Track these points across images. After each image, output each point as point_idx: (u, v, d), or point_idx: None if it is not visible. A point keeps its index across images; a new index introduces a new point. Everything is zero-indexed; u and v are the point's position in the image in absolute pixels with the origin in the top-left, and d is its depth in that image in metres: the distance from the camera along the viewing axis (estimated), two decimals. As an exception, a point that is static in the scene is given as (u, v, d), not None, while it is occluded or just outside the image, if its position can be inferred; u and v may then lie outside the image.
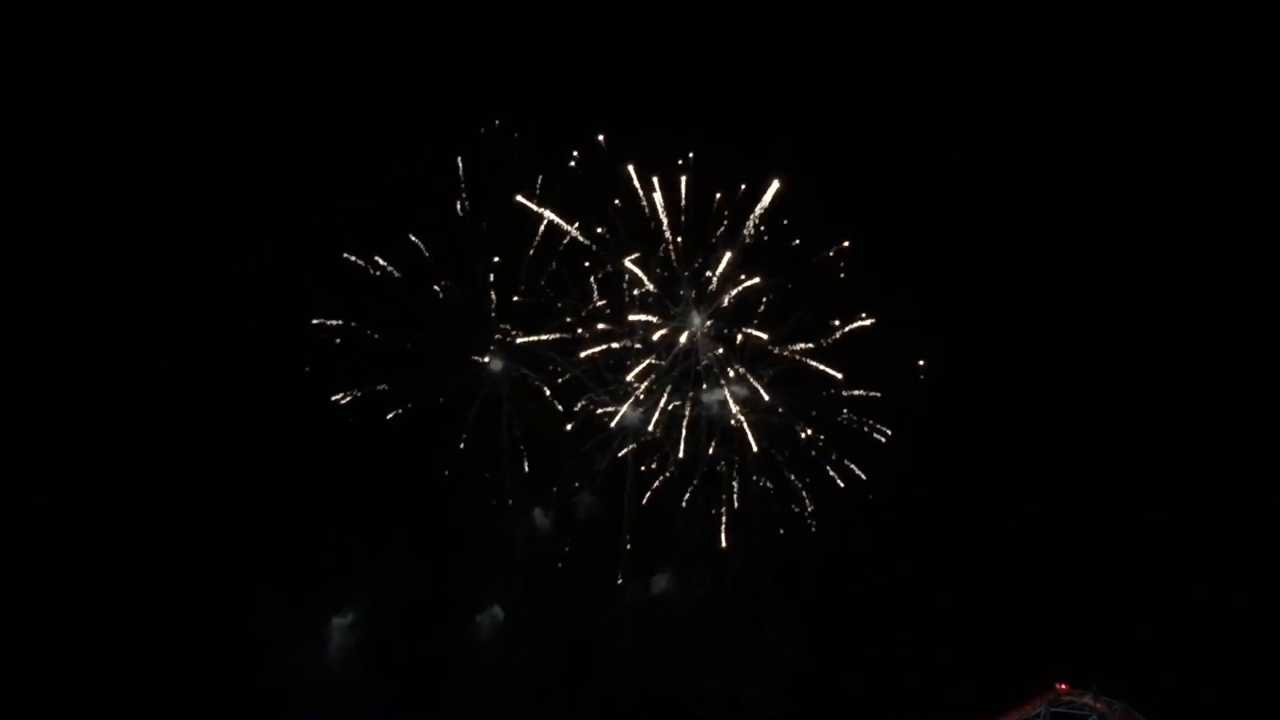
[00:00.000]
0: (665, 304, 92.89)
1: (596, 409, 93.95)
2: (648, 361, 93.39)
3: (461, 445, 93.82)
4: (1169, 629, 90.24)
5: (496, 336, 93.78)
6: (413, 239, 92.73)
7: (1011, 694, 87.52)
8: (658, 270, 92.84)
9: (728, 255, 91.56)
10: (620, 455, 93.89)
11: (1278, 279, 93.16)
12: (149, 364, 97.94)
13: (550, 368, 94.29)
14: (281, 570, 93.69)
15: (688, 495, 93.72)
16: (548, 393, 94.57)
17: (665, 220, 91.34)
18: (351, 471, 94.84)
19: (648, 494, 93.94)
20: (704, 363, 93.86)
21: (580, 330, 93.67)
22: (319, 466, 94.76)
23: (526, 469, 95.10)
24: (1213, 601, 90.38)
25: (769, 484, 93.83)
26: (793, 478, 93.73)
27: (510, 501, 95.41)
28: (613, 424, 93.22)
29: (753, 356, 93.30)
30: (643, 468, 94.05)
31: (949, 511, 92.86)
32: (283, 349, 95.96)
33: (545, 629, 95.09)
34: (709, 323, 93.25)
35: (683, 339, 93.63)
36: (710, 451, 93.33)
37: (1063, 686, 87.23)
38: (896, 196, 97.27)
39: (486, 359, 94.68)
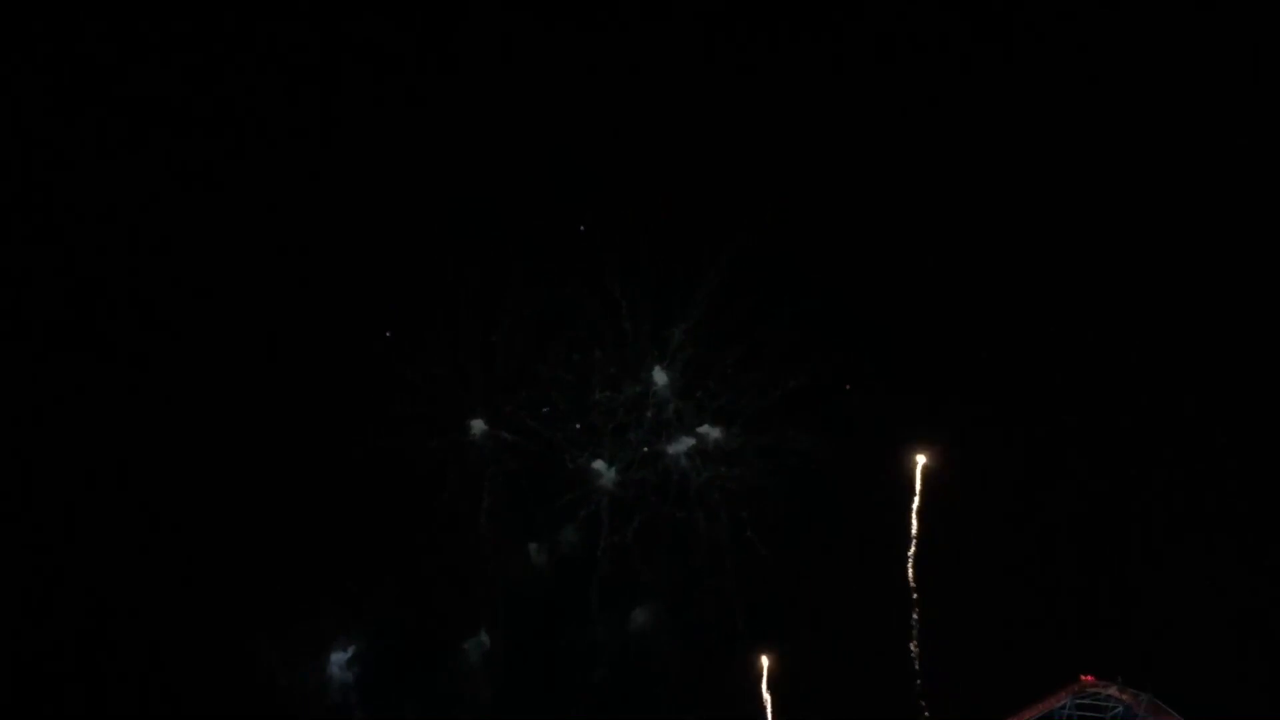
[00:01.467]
0: (629, 364, 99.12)
1: (571, 464, 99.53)
2: (618, 416, 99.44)
3: (449, 494, 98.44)
4: (1196, 620, 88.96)
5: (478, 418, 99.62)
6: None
7: (1036, 686, 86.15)
8: (624, 322, 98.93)
9: (682, 327, 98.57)
10: (595, 507, 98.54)
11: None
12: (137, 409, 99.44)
13: (529, 424, 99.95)
14: (282, 613, 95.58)
15: (658, 538, 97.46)
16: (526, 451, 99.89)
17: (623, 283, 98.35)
18: (348, 520, 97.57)
19: (624, 536, 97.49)
20: (668, 417, 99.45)
21: (553, 396, 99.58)
22: (317, 514, 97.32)
23: (509, 513, 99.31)
24: (1241, 593, 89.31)
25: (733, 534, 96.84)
26: (745, 517, 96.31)
27: (493, 541, 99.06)
28: (588, 475, 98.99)
29: (715, 410, 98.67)
30: (624, 501, 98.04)
31: (965, 500, 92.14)
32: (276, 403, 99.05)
33: (530, 655, 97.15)
34: (670, 376, 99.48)
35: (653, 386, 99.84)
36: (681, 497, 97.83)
37: (1088, 678, 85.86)
38: (859, 249, 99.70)
39: (470, 421, 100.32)
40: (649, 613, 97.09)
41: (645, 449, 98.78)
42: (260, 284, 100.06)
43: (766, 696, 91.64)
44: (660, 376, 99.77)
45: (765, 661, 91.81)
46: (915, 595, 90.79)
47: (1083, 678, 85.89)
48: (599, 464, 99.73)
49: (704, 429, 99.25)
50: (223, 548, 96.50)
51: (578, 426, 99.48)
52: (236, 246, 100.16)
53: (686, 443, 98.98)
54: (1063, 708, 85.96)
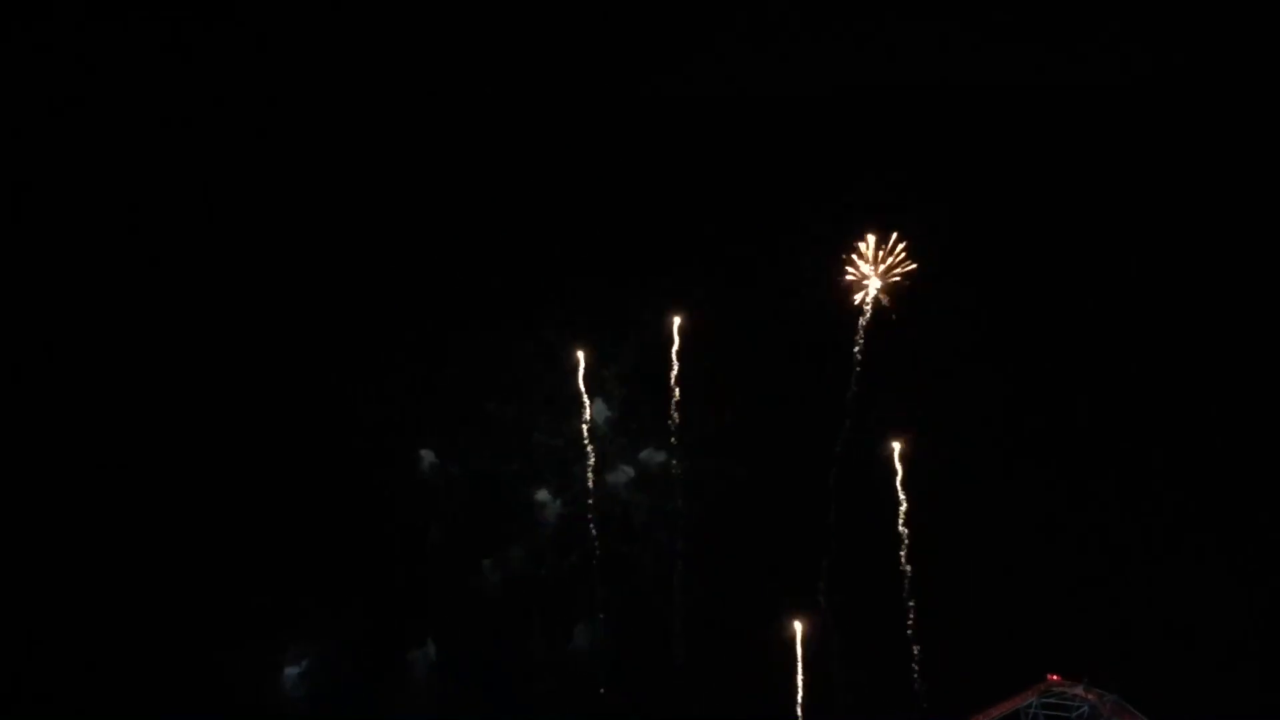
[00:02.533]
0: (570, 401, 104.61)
1: (516, 496, 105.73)
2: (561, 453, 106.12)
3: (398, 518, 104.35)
4: (1160, 622, 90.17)
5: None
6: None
7: (1004, 685, 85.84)
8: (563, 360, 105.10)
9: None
10: (540, 537, 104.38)
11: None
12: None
13: (476, 457, 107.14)
14: (242, 628, 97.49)
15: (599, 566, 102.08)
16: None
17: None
18: (303, 541, 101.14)
19: (567, 564, 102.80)
20: (607, 450, 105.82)
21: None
22: (274, 536, 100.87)
23: (456, 537, 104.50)
24: (1204, 596, 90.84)
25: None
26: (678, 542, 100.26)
27: (441, 560, 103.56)
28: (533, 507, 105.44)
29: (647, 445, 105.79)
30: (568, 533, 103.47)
31: (937, 502, 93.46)
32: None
33: (475, 666, 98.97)
34: (610, 411, 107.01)
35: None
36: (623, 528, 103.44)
37: (1055, 677, 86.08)
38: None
39: (420, 451, 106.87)
40: (589, 631, 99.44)
41: (586, 479, 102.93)
42: (228, 322, 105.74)
43: None
44: (600, 411, 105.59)
45: None
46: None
47: (1049, 677, 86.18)
48: (543, 494, 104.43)
49: (646, 454, 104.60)
50: (182, 568, 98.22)
51: (522, 460, 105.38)
52: (200, 290, 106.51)
53: (626, 472, 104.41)
54: (1029, 706, 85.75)
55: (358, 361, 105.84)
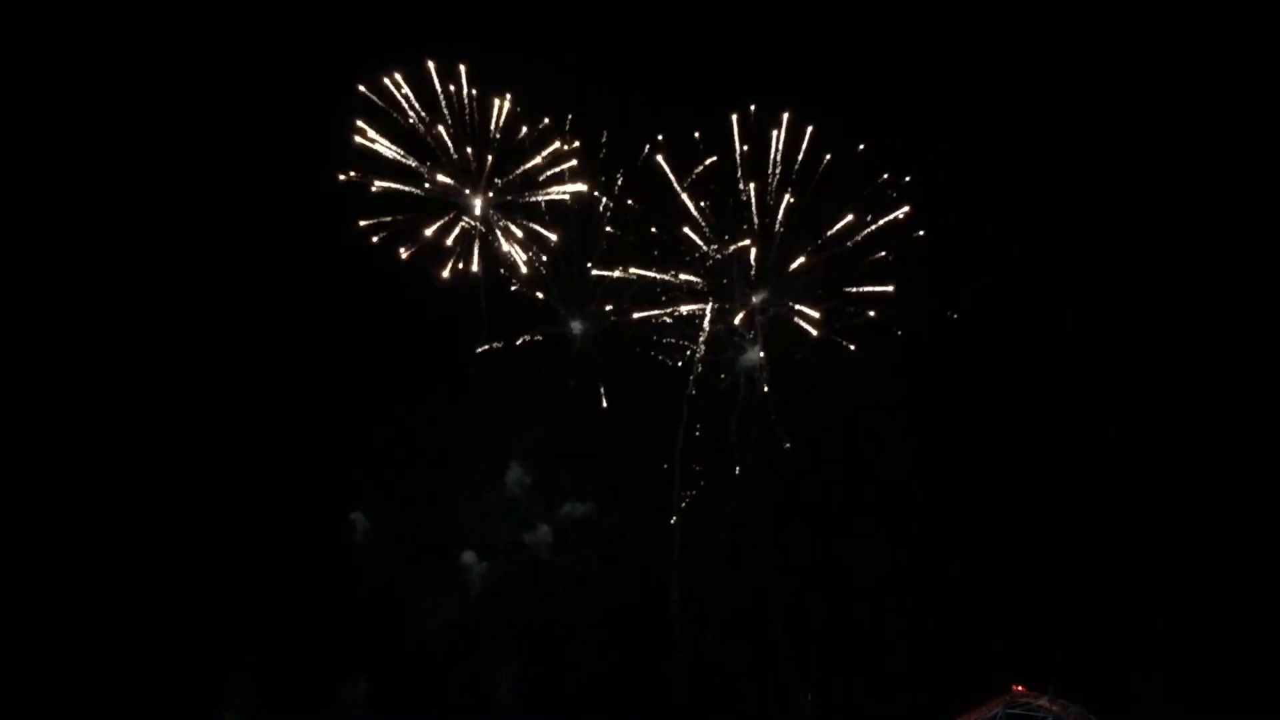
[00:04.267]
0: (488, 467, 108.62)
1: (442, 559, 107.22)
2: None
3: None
4: (1124, 631, 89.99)
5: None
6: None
7: (969, 695, 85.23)
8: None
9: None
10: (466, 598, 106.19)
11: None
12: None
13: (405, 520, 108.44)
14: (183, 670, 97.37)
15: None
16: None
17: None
18: (244, 590, 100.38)
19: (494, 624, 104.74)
20: (523, 512, 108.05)
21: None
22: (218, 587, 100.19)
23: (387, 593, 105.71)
24: (1168, 605, 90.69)
25: None
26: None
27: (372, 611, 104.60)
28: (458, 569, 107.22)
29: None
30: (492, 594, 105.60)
31: (900, 512, 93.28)
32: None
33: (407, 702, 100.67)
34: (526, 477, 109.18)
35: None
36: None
37: (1019, 688, 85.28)
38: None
39: (352, 514, 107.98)
40: (513, 676, 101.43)
41: (508, 540, 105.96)
42: (182, 374, 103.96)
43: None
44: (516, 475, 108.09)
45: None
46: None
47: (1014, 688, 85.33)
48: (469, 556, 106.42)
49: (568, 508, 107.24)
50: (125, 616, 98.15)
51: (448, 525, 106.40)
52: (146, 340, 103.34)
53: (544, 530, 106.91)
54: (994, 717, 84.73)
55: (295, 432, 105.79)
